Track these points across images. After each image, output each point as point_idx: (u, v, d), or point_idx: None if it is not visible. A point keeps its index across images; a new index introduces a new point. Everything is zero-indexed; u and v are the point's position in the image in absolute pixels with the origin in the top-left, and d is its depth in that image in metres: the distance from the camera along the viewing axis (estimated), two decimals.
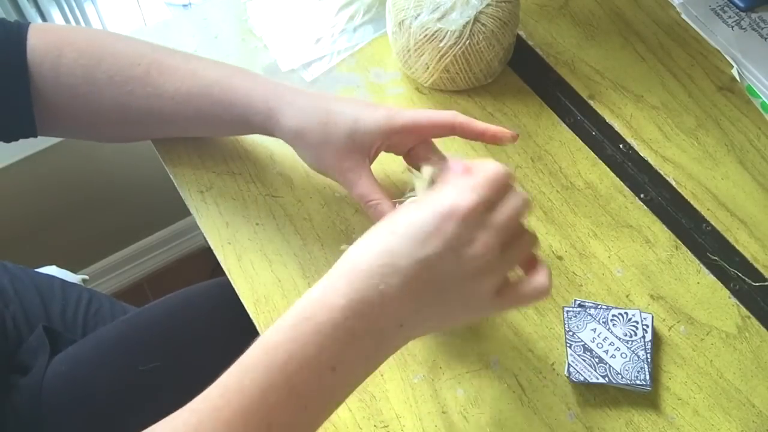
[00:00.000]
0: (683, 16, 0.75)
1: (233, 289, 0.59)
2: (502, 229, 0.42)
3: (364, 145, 0.54)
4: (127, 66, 0.56)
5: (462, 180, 0.43)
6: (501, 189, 0.43)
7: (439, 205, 0.41)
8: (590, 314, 0.56)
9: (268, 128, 0.56)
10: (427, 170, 0.48)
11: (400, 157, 0.63)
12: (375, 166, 0.65)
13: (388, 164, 0.64)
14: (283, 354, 0.39)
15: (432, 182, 0.48)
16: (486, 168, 0.43)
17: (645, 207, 0.64)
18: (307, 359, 0.39)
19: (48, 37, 0.56)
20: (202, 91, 0.56)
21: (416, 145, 0.57)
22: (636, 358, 0.54)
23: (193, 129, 0.61)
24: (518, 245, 0.44)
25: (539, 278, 0.45)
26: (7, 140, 0.59)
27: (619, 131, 0.68)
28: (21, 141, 0.60)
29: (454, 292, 0.42)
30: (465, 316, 0.45)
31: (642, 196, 0.64)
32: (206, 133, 0.63)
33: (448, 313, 0.43)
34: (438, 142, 0.60)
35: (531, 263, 0.46)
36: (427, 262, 0.40)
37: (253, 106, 0.56)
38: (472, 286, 0.42)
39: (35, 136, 0.59)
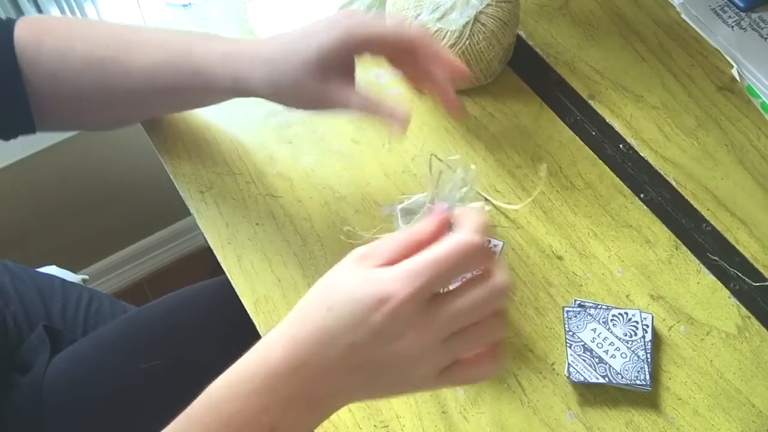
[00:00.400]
0: (683, 16, 0.75)
1: (233, 287, 0.59)
2: (446, 323, 0.39)
3: (335, 64, 0.53)
4: (98, 48, 0.56)
5: (415, 260, 0.38)
6: (455, 271, 0.38)
7: (375, 290, 0.38)
8: (590, 314, 0.56)
9: (240, 90, 0.55)
10: (458, 174, 0.47)
11: (401, 157, 0.63)
12: (375, 166, 0.65)
13: (388, 164, 0.64)
14: (227, 412, 0.40)
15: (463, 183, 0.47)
16: (445, 243, 0.38)
17: (645, 207, 0.64)
18: (249, 419, 0.40)
19: (31, 27, 0.56)
20: (167, 63, 0.55)
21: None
22: (636, 358, 0.54)
23: (170, 104, 0.61)
24: (469, 337, 0.40)
25: (489, 364, 0.42)
26: (6, 137, 0.59)
27: (619, 131, 0.68)
28: (21, 141, 0.60)
29: (390, 374, 0.40)
30: (408, 390, 0.43)
31: (642, 196, 0.64)
32: (184, 106, 0.63)
33: (388, 388, 0.42)
34: (436, 141, 0.60)
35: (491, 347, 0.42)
36: (357, 348, 0.39)
37: (217, 73, 0.55)
38: (407, 370, 0.40)
39: (34, 131, 0.59)
